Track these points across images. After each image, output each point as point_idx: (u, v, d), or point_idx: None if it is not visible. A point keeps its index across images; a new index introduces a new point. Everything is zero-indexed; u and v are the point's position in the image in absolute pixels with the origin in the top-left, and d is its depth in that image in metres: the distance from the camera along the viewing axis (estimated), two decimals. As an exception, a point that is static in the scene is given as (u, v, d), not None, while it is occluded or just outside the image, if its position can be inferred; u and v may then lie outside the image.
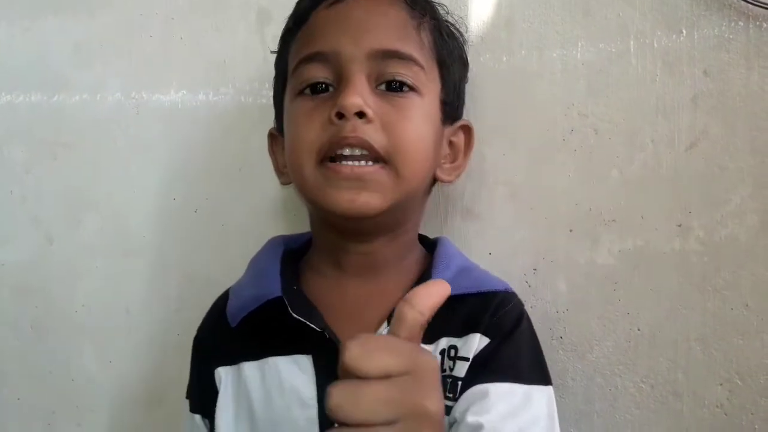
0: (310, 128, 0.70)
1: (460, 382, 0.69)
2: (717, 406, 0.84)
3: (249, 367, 0.74)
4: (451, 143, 0.80)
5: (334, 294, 0.75)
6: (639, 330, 0.86)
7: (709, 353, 0.84)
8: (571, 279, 0.88)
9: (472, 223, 0.91)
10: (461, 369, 0.69)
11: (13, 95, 1.01)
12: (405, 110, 0.71)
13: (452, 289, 0.68)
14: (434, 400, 0.47)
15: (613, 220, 0.86)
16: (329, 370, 0.68)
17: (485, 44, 0.89)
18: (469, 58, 0.85)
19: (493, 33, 0.89)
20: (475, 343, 0.70)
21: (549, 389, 0.72)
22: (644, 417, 0.85)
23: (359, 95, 0.68)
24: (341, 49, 0.71)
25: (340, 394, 0.45)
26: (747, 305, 0.83)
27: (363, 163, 0.69)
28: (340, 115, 0.68)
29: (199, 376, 0.78)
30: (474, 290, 0.73)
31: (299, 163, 0.71)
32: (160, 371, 0.99)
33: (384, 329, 0.70)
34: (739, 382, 0.83)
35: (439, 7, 0.81)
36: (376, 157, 0.69)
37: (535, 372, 0.72)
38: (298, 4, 0.77)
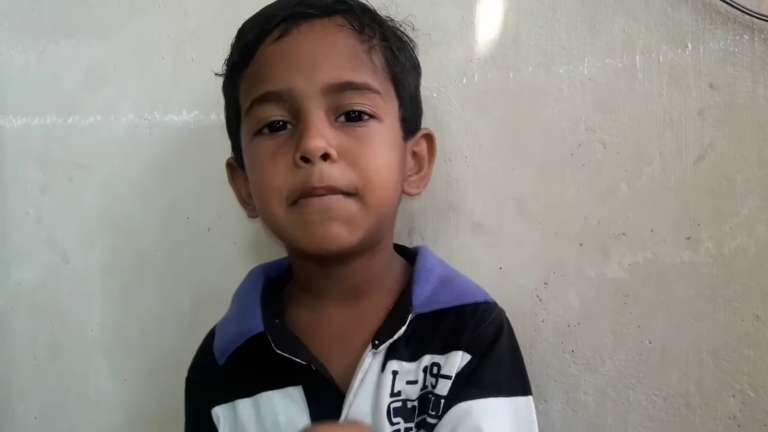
0: (276, 172, 0.69)
1: (442, 401, 0.69)
2: (729, 418, 0.84)
3: (243, 405, 0.73)
4: (414, 153, 0.79)
5: (317, 323, 0.75)
6: (650, 343, 0.86)
7: (721, 365, 0.84)
8: (582, 293, 0.88)
9: (481, 237, 0.91)
10: (443, 387, 0.69)
11: (29, 118, 1.03)
12: (367, 140, 0.70)
13: (432, 305, 0.72)
14: None
15: (623, 234, 0.87)
16: (319, 399, 0.70)
17: (492, 61, 0.90)
18: (476, 76, 0.86)
19: (500, 50, 0.90)
20: (458, 361, 0.70)
21: (529, 399, 0.73)
22: (657, 430, 0.85)
23: (321, 136, 0.67)
24: (294, 86, 0.69)
25: None
26: (758, 316, 0.83)
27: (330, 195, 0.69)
28: (305, 159, 0.68)
29: (197, 419, 0.77)
30: (454, 304, 0.73)
31: (270, 207, 0.71)
32: (174, 389, 0.99)
33: (368, 354, 0.70)
34: (751, 394, 0.83)
35: (384, 18, 0.79)
36: (345, 194, 0.69)
37: (517, 382, 0.73)
38: (240, 37, 0.75)
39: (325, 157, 0.68)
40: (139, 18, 1.00)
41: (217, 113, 0.98)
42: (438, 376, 0.70)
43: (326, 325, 0.75)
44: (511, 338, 0.76)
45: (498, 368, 0.71)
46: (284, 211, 0.70)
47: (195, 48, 0.99)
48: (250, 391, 0.73)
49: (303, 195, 0.69)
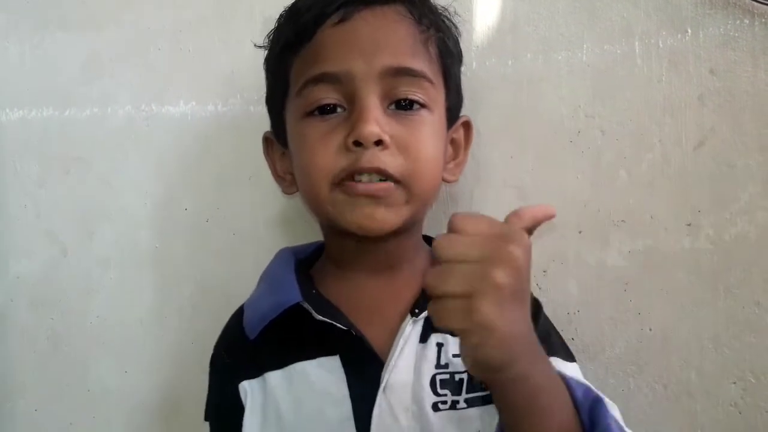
0: (326, 154, 0.70)
1: None
2: (731, 405, 0.83)
3: (274, 377, 0.73)
4: (452, 140, 0.80)
5: (351, 294, 0.76)
6: (651, 330, 0.86)
7: (722, 352, 0.84)
8: (582, 280, 0.88)
9: (481, 226, 0.91)
10: None
11: (25, 111, 1.02)
12: (417, 130, 0.71)
13: None
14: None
15: (623, 221, 0.87)
16: (358, 366, 0.71)
17: (491, 49, 0.90)
18: (475, 64, 0.86)
19: (498, 37, 0.90)
20: None
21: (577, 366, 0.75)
22: (658, 417, 0.85)
23: (376, 122, 0.68)
24: (353, 68, 0.70)
25: (444, 239, 0.53)
26: (759, 303, 0.83)
27: (377, 181, 0.70)
28: (357, 143, 0.69)
29: (223, 396, 0.77)
30: None
31: (315, 187, 0.72)
32: (175, 381, 1.00)
33: (408, 323, 0.71)
34: (752, 380, 0.83)
35: (438, 7, 0.80)
36: (392, 179, 0.70)
37: (566, 352, 0.75)
38: (297, 18, 0.75)
39: (379, 143, 0.69)
40: (136, 9, 1.00)
41: (214, 104, 0.98)
42: None
43: (359, 296, 0.76)
44: (547, 316, 0.79)
45: (548, 337, 0.74)
46: (329, 192, 0.71)
47: (192, 39, 0.99)
48: (281, 363, 0.73)
49: (351, 175, 0.70)
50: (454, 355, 0.71)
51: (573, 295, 0.88)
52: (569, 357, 0.75)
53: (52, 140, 1.02)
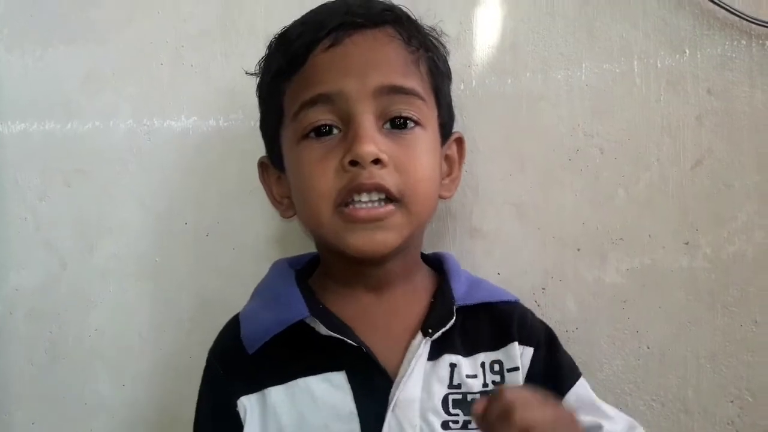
0: (324, 176, 0.71)
1: None
2: (728, 423, 0.84)
3: (275, 392, 0.73)
4: (446, 157, 0.81)
5: (354, 310, 0.76)
6: (648, 348, 0.86)
7: (719, 370, 0.84)
8: (580, 298, 0.88)
9: (480, 242, 0.92)
10: (514, 378, 0.73)
11: (27, 123, 1.03)
12: (413, 148, 0.72)
13: (471, 299, 0.76)
14: None
15: (621, 239, 0.87)
16: (366, 383, 0.71)
17: (491, 67, 0.90)
18: (474, 82, 0.86)
19: (498, 56, 0.91)
20: (518, 353, 0.74)
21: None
22: (656, 435, 0.85)
23: (372, 141, 0.69)
24: (346, 88, 0.71)
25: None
26: (756, 321, 0.83)
27: (377, 204, 0.71)
28: (354, 162, 0.70)
29: (218, 412, 0.75)
30: (491, 299, 0.77)
31: (316, 211, 0.72)
32: (173, 394, 0.99)
33: (420, 341, 0.72)
34: (749, 399, 0.83)
35: (425, 27, 0.80)
36: (390, 198, 0.71)
37: (576, 365, 0.79)
38: (288, 45, 0.76)
39: (376, 161, 0.70)
40: (138, 24, 1.00)
41: (215, 119, 0.98)
42: (503, 372, 0.74)
43: (364, 312, 0.76)
44: None
45: (565, 354, 0.78)
46: (330, 215, 0.72)
47: (194, 54, 0.99)
48: (283, 378, 0.73)
49: (350, 193, 0.70)
50: (468, 376, 0.73)
51: (571, 312, 0.88)
52: (575, 372, 0.78)
53: (54, 153, 1.02)
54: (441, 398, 0.71)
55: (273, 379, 0.73)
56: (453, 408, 0.71)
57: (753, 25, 0.83)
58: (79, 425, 1.02)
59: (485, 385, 0.73)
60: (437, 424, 0.70)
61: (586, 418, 0.72)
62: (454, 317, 0.73)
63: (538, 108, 0.89)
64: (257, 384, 0.73)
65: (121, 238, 1.01)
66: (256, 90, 0.82)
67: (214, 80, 0.98)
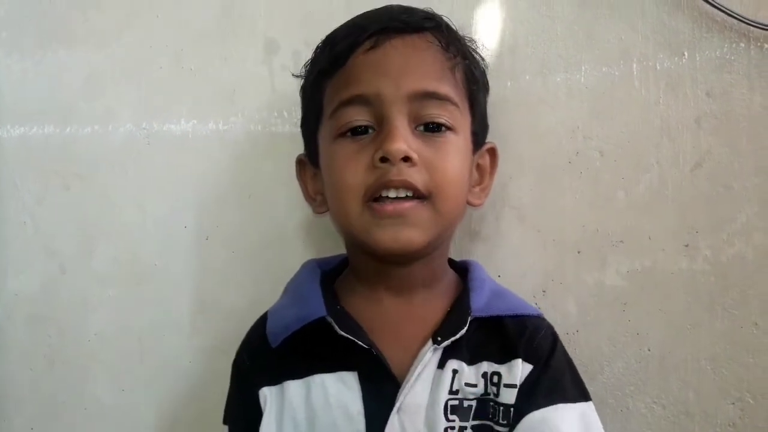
0: (356, 172, 0.73)
1: (511, 409, 0.72)
2: (729, 425, 0.84)
3: (293, 386, 0.75)
4: (478, 166, 0.82)
5: (374, 313, 0.77)
6: (649, 350, 0.86)
7: (720, 372, 0.84)
8: (581, 300, 0.88)
9: (480, 245, 0.92)
10: (508, 396, 0.73)
11: (26, 127, 1.02)
12: (443, 150, 0.74)
13: (488, 311, 0.76)
14: None
15: (621, 241, 0.87)
16: (375, 385, 0.73)
17: (490, 70, 0.89)
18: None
19: (497, 59, 0.91)
20: (519, 371, 0.74)
21: (590, 404, 0.75)
22: (657, 438, 0.85)
23: (403, 140, 0.71)
24: (382, 91, 0.73)
25: None
26: (756, 324, 0.83)
27: (404, 196, 0.72)
28: (384, 159, 0.71)
29: (243, 400, 0.78)
30: (509, 313, 0.77)
31: (346, 206, 0.74)
32: (172, 399, 0.99)
33: (429, 348, 0.73)
34: (750, 401, 0.83)
35: (465, 38, 0.82)
36: (418, 195, 0.72)
37: (578, 389, 0.76)
38: (330, 46, 0.79)
39: (406, 159, 0.71)
40: (138, 27, 1.00)
41: (215, 122, 0.98)
42: (500, 385, 0.74)
43: (382, 315, 0.77)
44: (565, 350, 0.79)
45: (561, 377, 0.75)
46: (359, 211, 0.73)
47: (193, 58, 0.99)
48: (301, 373, 0.75)
49: (379, 190, 0.72)
50: (467, 384, 0.73)
51: (572, 315, 0.88)
52: (582, 395, 0.75)
53: (53, 157, 1.02)
54: (443, 404, 0.72)
55: (292, 373, 0.76)
56: (450, 413, 0.72)
57: (752, 28, 0.83)
58: (79, 430, 1.02)
59: (485, 394, 0.74)
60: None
61: None
62: (466, 327, 0.74)
63: (538, 111, 0.90)
64: (278, 377, 0.76)
65: (121, 242, 1.01)
66: (300, 91, 0.84)
67: (214, 84, 0.98)
